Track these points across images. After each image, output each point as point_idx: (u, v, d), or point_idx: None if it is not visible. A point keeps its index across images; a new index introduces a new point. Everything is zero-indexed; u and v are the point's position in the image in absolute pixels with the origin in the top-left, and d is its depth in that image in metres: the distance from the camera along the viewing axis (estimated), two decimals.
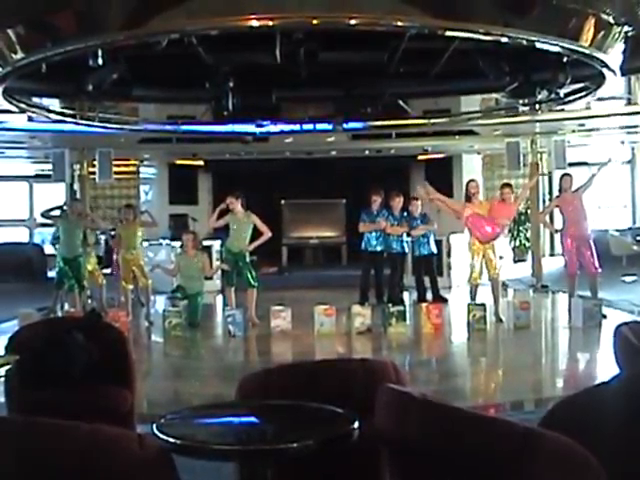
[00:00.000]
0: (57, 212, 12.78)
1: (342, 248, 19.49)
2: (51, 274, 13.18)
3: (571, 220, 11.58)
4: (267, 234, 11.47)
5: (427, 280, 13.63)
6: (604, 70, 8.83)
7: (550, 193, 18.73)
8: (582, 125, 15.79)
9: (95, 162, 16.09)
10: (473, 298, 11.38)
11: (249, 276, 11.39)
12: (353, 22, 6.95)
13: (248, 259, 11.54)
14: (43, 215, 12.76)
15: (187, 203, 19.44)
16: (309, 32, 8.35)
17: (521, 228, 19.38)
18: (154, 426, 3.17)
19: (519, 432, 2.60)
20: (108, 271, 14.37)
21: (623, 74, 9.65)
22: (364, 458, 3.52)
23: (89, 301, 12.66)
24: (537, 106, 11.33)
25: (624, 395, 3.11)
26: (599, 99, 12.88)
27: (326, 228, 19.78)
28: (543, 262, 16.78)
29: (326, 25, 7.39)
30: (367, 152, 18.17)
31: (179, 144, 16.32)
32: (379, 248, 13.06)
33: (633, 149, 21.01)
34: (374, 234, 13.01)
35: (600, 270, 11.39)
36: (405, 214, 13.28)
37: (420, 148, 17.89)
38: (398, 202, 13.09)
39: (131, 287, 12.22)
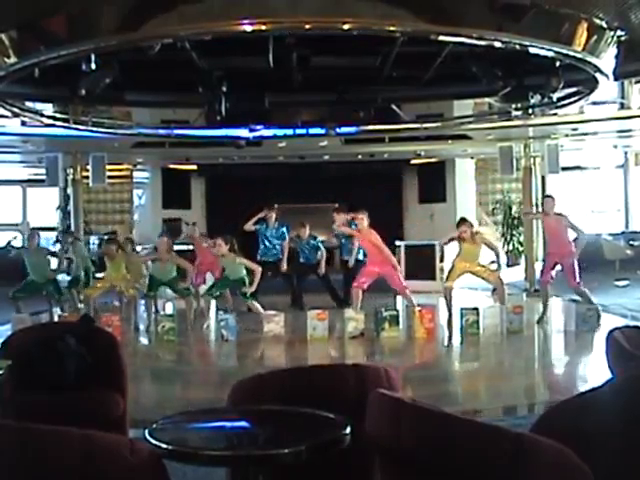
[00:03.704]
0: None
1: (335, 252, 19.47)
2: None
3: (553, 242, 11.57)
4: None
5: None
6: (597, 74, 8.86)
7: (543, 197, 18.68)
8: (575, 129, 15.81)
9: (88, 166, 16.08)
10: (449, 304, 11.22)
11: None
12: (346, 27, 6.97)
13: None
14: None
15: (180, 207, 19.45)
16: (302, 37, 8.38)
17: (514, 232, 19.39)
18: (146, 431, 3.16)
19: (510, 438, 2.60)
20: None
21: (616, 78, 9.68)
22: (356, 463, 3.51)
23: (80, 305, 12.60)
24: (530, 110, 11.36)
25: (616, 400, 3.11)
26: (592, 103, 12.92)
27: (319, 233, 19.74)
28: (536, 266, 16.77)
29: (319, 30, 7.40)
30: (360, 156, 18.16)
31: (172, 148, 16.34)
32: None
33: (626, 153, 21.03)
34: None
35: (581, 284, 11.19)
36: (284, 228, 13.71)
37: (413, 152, 17.89)
38: (270, 217, 13.66)
39: (133, 292, 11.89)
